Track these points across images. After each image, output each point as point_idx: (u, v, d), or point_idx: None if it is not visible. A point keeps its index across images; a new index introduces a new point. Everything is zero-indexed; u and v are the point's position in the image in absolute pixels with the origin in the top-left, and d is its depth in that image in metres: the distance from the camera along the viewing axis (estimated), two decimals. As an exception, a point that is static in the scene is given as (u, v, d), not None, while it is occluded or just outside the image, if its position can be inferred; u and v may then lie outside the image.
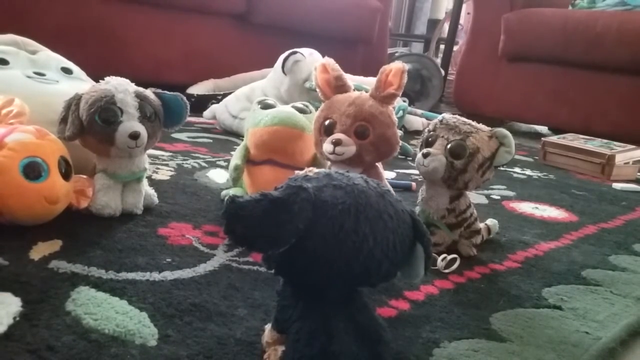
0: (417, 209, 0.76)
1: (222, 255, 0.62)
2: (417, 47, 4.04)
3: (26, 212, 0.61)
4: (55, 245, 0.60)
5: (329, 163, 0.75)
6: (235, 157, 0.78)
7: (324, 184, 0.39)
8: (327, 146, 0.70)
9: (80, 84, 0.84)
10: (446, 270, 0.68)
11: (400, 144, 0.74)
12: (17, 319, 0.44)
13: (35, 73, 0.80)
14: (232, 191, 0.81)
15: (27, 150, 0.61)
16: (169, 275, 0.55)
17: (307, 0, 2.38)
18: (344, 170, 0.43)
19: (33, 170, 0.60)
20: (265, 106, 0.79)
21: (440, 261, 0.68)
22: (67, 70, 0.87)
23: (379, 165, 0.76)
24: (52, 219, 0.64)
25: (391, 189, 0.71)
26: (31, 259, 0.56)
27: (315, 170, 0.41)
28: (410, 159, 1.45)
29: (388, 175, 1.17)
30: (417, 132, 1.82)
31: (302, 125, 0.76)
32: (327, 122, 0.71)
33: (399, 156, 1.44)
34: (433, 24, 3.84)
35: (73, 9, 1.83)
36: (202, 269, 0.58)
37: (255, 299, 0.52)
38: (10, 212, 0.59)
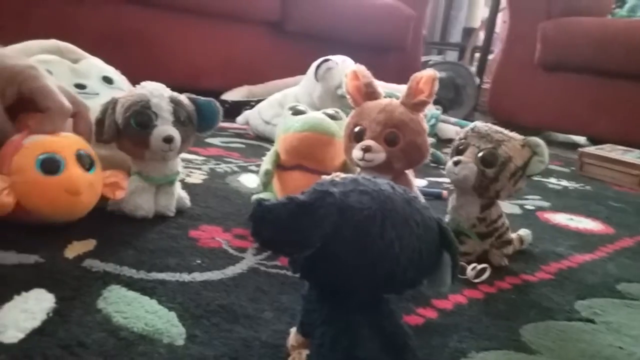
0: (447, 217, 0.75)
1: (251, 258, 0.63)
2: (452, 56, 4.01)
3: (50, 207, 0.61)
4: (89, 244, 0.61)
5: (358, 169, 0.75)
6: (266, 162, 0.79)
7: (351, 189, 0.39)
8: (356, 152, 0.70)
9: (120, 94, 0.86)
10: (476, 280, 0.67)
11: (431, 152, 0.74)
12: (51, 314, 0.45)
13: (77, 85, 0.82)
14: (263, 196, 0.82)
15: (42, 147, 0.62)
16: (198, 276, 0.56)
17: (341, 9, 2.39)
18: (371, 176, 0.43)
19: (50, 165, 0.61)
20: (296, 112, 0.80)
21: (470, 270, 0.67)
22: (108, 80, 0.89)
23: (409, 172, 0.76)
24: (87, 219, 0.65)
25: (421, 196, 0.71)
26: (66, 257, 0.57)
27: (342, 175, 0.41)
28: (442, 167, 1.44)
29: (419, 182, 1.16)
30: (450, 140, 1.80)
31: (332, 132, 0.76)
32: (357, 129, 0.72)
33: (431, 164, 1.43)
34: (468, 32, 3.81)
35: (115, 15, 1.88)
36: (231, 271, 0.59)
37: (281, 303, 0.53)
38: (35, 209, 0.60)
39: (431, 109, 1.70)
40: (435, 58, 3.73)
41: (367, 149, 0.69)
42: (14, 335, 0.41)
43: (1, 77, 0.61)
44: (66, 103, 0.65)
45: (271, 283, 0.57)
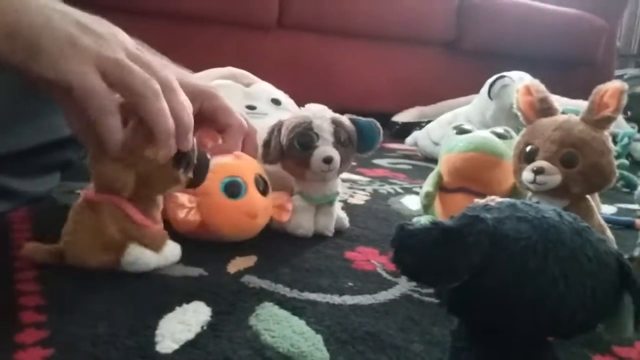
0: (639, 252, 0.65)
1: (405, 284, 0.60)
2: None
3: (230, 228, 0.66)
4: (250, 260, 0.63)
5: (529, 194, 0.68)
6: (427, 184, 0.76)
7: (506, 215, 0.34)
8: (527, 175, 0.64)
9: (287, 114, 0.89)
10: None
11: (621, 175, 0.65)
12: (205, 328, 0.47)
13: (248, 106, 0.87)
14: (423, 219, 0.78)
15: (226, 170, 0.66)
16: (348, 299, 0.55)
17: (523, 22, 2.27)
18: (535, 201, 0.38)
19: (233, 189, 0.65)
20: (461, 131, 0.76)
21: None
22: (276, 102, 0.93)
23: (591, 198, 0.67)
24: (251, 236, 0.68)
25: (606, 226, 0.62)
26: (227, 272, 0.60)
27: (498, 199, 0.37)
28: (635, 192, 1.26)
29: (606, 210, 1.03)
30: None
31: (500, 152, 0.71)
32: (528, 148, 0.65)
33: (623, 189, 1.26)
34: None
35: (292, 44, 2.00)
36: (383, 296, 0.56)
37: (433, 335, 0.49)
38: (216, 230, 0.65)
39: (624, 127, 1.52)
40: (631, 72, 3.35)
41: (539, 171, 0.62)
42: (168, 346, 0.43)
43: (185, 93, 0.66)
44: (244, 122, 0.68)
45: (424, 312, 0.53)
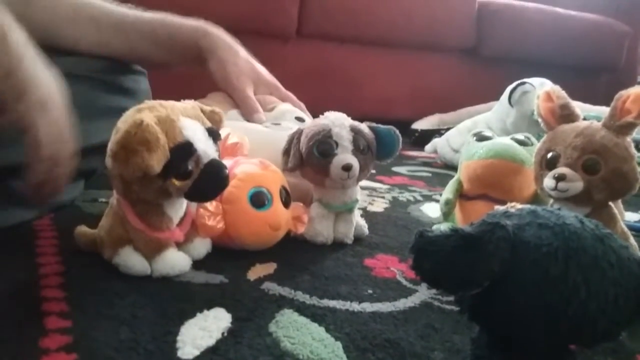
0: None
1: (425, 292, 0.60)
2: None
3: (253, 239, 0.67)
4: (270, 267, 0.64)
5: (551, 201, 0.67)
6: (447, 191, 0.76)
7: (527, 221, 0.34)
8: (548, 181, 0.63)
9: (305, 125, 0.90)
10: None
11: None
12: (225, 334, 0.47)
13: (272, 123, 0.88)
14: (443, 226, 0.78)
15: (254, 180, 0.67)
16: (368, 307, 0.55)
17: (543, 28, 2.25)
18: (556, 208, 0.37)
19: (259, 200, 0.66)
20: (481, 138, 0.76)
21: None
22: (300, 119, 0.94)
23: (613, 205, 0.66)
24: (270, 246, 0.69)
25: (629, 233, 0.61)
26: (247, 279, 0.60)
27: (519, 206, 0.37)
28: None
29: (630, 217, 1.01)
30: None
31: (521, 159, 0.70)
32: (549, 155, 0.65)
33: (647, 196, 1.24)
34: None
35: (312, 53, 2.01)
36: (402, 304, 0.56)
37: (454, 343, 0.48)
38: (239, 238, 0.66)
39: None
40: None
41: (560, 178, 0.62)
42: (190, 352, 0.43)
43: None
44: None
45: (444, 320, 0.53)
